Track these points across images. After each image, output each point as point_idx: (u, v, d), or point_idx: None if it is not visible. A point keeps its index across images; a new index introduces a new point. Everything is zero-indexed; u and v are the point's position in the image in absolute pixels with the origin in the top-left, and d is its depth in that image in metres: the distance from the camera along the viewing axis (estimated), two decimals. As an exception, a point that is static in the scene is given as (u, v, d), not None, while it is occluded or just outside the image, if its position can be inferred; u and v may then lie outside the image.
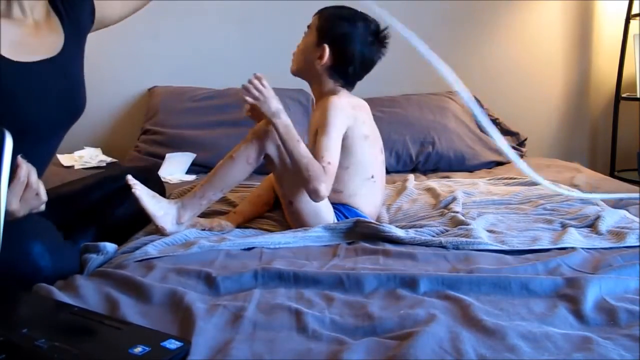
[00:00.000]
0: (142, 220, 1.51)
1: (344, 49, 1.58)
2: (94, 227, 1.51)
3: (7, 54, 1.33)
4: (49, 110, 1.41)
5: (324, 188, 1.46)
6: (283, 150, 1.49)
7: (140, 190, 1.45)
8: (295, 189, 1.52)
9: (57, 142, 1.49)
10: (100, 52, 2.76)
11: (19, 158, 1.12)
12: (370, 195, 1.62)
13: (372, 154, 1.62)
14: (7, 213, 1.09)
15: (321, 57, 1.59)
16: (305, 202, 1.52)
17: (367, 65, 1.62)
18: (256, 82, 1.47)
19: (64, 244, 1.32)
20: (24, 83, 1.37)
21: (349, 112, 1.57)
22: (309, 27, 1.65)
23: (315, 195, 1.47)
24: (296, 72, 1.67)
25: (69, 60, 1.47)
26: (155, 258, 1.33)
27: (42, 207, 1.20)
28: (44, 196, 1.18)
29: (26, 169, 1.13)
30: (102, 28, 1.59)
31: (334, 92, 1.62)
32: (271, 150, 1.50)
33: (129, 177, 1.46)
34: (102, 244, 1.39)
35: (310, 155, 1.47)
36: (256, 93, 1.46)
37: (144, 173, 1.64)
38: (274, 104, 1.47)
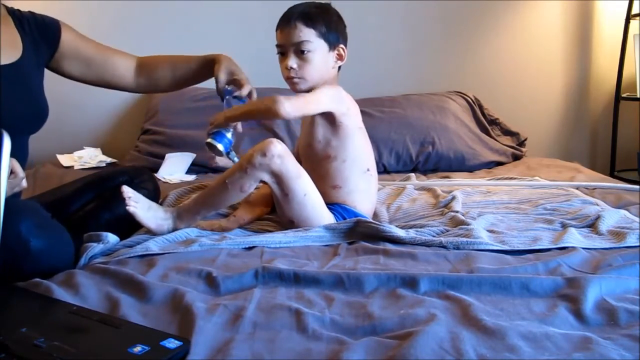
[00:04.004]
0: (136, 223, 1.50)
1: (346, 38, 1.62)
2: (89, 230, 1.49)
3: None
4: (12, 113, 1.39)
5: (284, 105, 1.43)
6: (280, 176, 1.46)
7: (134, 206, 1.43)
8: (295, 210, 1.51)
9: (22, 149, 1.47)
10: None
11: None
12: (367, 190, 1.62)
13: (366, 145, 1.64)
14: None
15: (341, 56, 1.60)
16: (307, 221, 1.51)
17: None
18: (211, 119, 1.59)
19: (54, 222, 1.30)
20: None
21: (343, 100, 1.57)
22: (298, 44, 1.54)
23: (276, 113, 1.44)
24: (309, 89, 1.57)
25: (28, 69, 1.49)
26: (156, 254, 1.33)
27: (24, 184, 1.20)
28: (20, 173, 1.17)
29: None
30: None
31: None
32: (266, 178, 1.47)
33: (124, 190, 1.44)
34: (104, 233, 1.40)
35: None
36: (214, 120, 1.58)
37: (139, 174, 1.64)
38: (222, 115, 1.58)
